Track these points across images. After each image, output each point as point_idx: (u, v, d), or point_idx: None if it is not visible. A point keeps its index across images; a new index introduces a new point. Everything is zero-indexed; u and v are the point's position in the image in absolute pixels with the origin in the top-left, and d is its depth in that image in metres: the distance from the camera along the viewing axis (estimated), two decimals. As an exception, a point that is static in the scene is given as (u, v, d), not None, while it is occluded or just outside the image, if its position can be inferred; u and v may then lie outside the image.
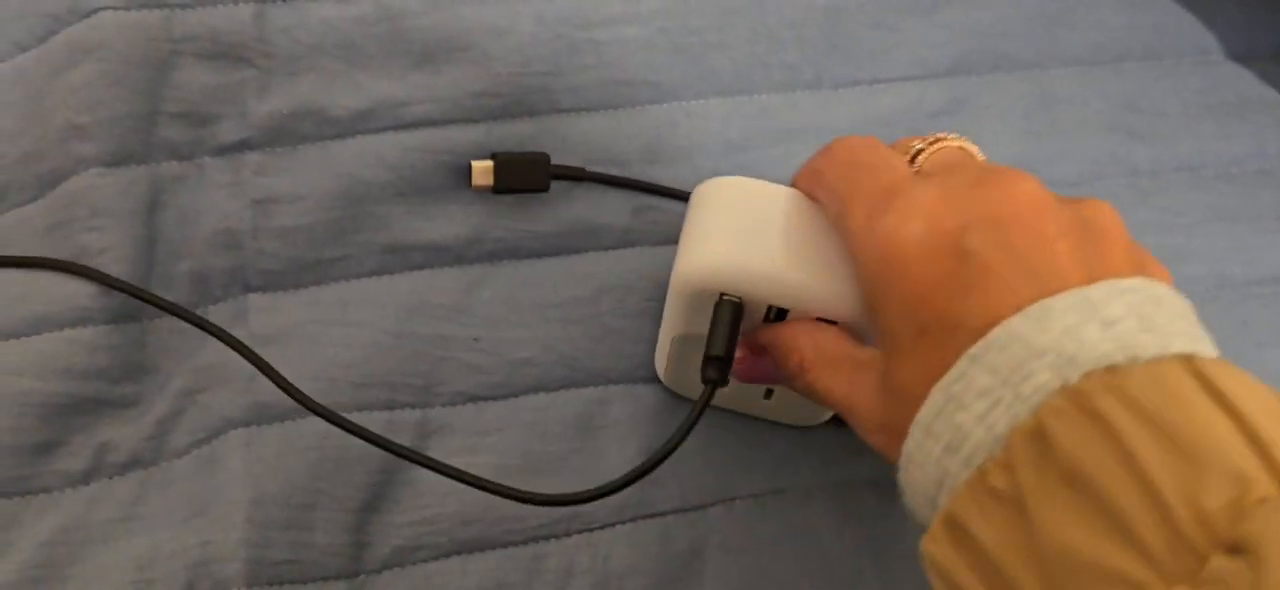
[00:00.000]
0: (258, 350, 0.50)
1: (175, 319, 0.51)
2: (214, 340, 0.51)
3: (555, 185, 0.56)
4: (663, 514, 0.51)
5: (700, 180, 0.57)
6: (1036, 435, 0.35)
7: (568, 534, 0.51)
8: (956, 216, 0.40)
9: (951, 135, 0.47)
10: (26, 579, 0.47)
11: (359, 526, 0.49)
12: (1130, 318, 0.36)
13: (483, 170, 0.54)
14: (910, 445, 0.39)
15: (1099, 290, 0.37)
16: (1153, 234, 0.60)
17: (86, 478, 0.49)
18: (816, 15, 0.61)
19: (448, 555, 0.50)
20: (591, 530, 0.51)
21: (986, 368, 0.36)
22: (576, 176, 0.56)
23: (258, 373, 0.50)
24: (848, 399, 0.44)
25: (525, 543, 0.50)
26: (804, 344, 0.46)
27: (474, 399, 0.52)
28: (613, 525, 0.51)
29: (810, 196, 0.48)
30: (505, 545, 0.50)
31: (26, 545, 0.48)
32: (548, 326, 0.54)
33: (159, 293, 0.52)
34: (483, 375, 0.53)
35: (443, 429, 0.52)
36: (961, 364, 0.37)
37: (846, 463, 0.53)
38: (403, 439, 0.50)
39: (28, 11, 0.54)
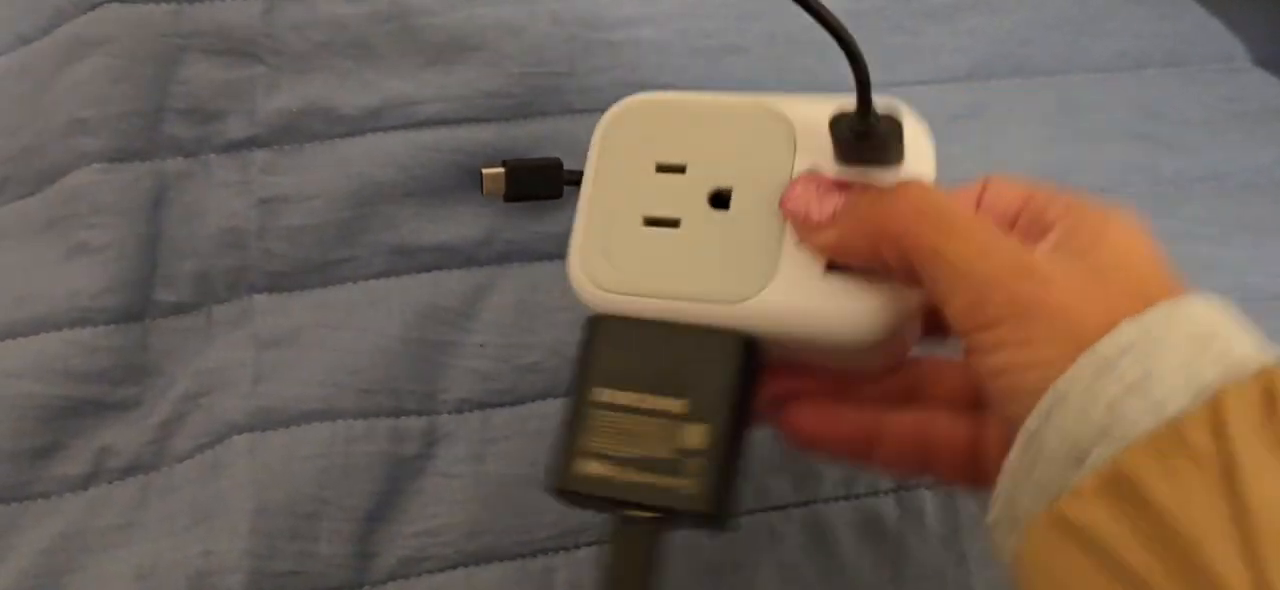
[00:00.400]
0: (263, 353, 0.50)
1: (179, 319, 0.51)
2: (218, 342, 0.50)
3: (569, 190, 0.54)
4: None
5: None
6: (1266, 395, 0.31)
7: (577, 547, 0.50)
8: None
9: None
10: (25, 587, 0.46)
11: (364, 536, 0.48)
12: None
13: (493, 177, 0.53)
14: (1073, 379, 0.33)
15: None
16: (1176, 244, 0.58)
17: (86, 483, 0.48)
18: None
19: (454, 567, 0.49)
20: (603, 543, 0.49)
21: (1193, 319, 0.33)
22: (590, 182, 0.54)
23: (263, 375, 0.49)
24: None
25: (534, 555, 0.49)
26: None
27: (481, 406, 0.51)
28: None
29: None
30: (514, 557, 0.49)
31: (26, 552, 0.46)
32: (556, 332, 0.52)
33: (161, 293, 0.51)
34: (489, 382, 0.51)
35: (448, 436, 0.51)
36: (1165, 307, 0.33)
37: (867, 475, 0.52)
38: (410, 448, 0.50)
39: (32, 3, 0.53)
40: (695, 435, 0.39)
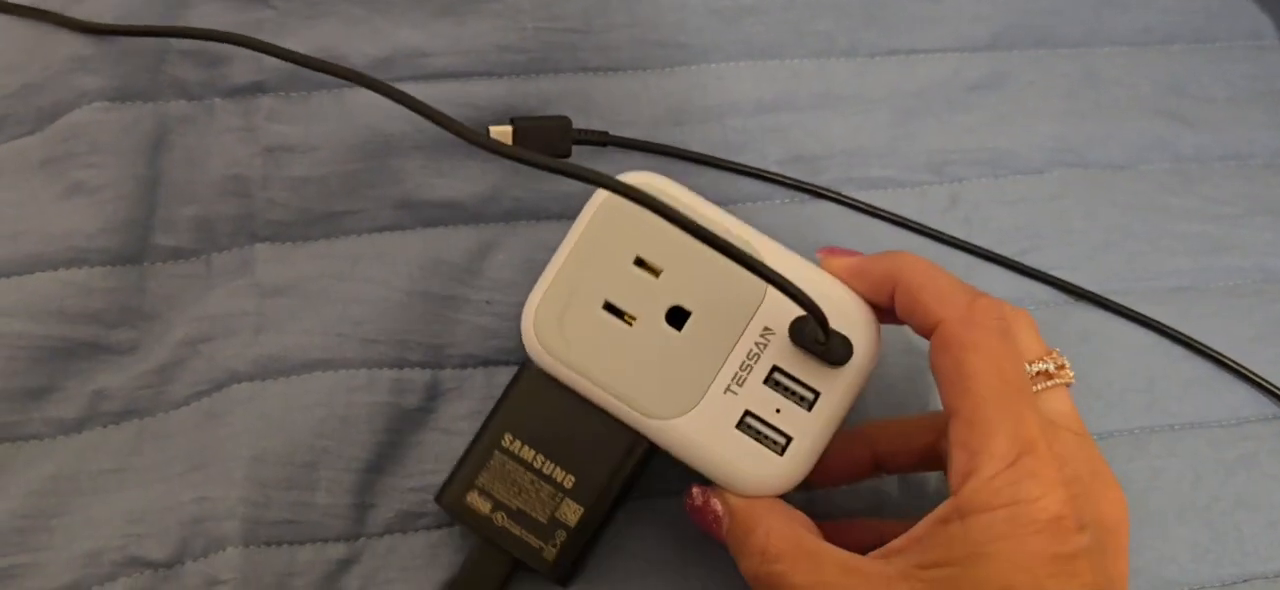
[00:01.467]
0: (265, 302, 0.49)
1: (178, 265, 0.50)
2: (218, 290, 0.49)
3: (578, 149, 0.53)
4: (677, 493, 0.49)
5: (729, 143, 0.55)
6: None
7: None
8: (1080, 515, 0.38)
9: (1069, 369, 0.43)
10: (13, 528, 0.45)
11: (363, 487, 0.47)
12: None
13: (501, 135, 0.52)
14: None
15: None
16: (1195, 222, 0.57)
17: (79, 426, 0.47)
18: (856, -17, 0.58)
19: (452, 524, 0.48)
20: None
21: None
22: (599, 142, 0.53)
23: (265, 324, 0.48)
24: None
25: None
26: (771, 529, 0.41)
27: (485, 363, 0.50)
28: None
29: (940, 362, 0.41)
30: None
31: (15, 493, 0.45)
32: None
33: (160, 237, 0.50)
34: (495, 340, 0.50)
35: (452, 391, 0.49)
36: None
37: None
38: (412, 400, 0.48)
39: None
40: (570, 511, 0.45)
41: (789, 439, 0.43)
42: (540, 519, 0.44)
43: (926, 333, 0.41)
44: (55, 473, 0.46)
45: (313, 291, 0.50)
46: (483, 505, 0.45)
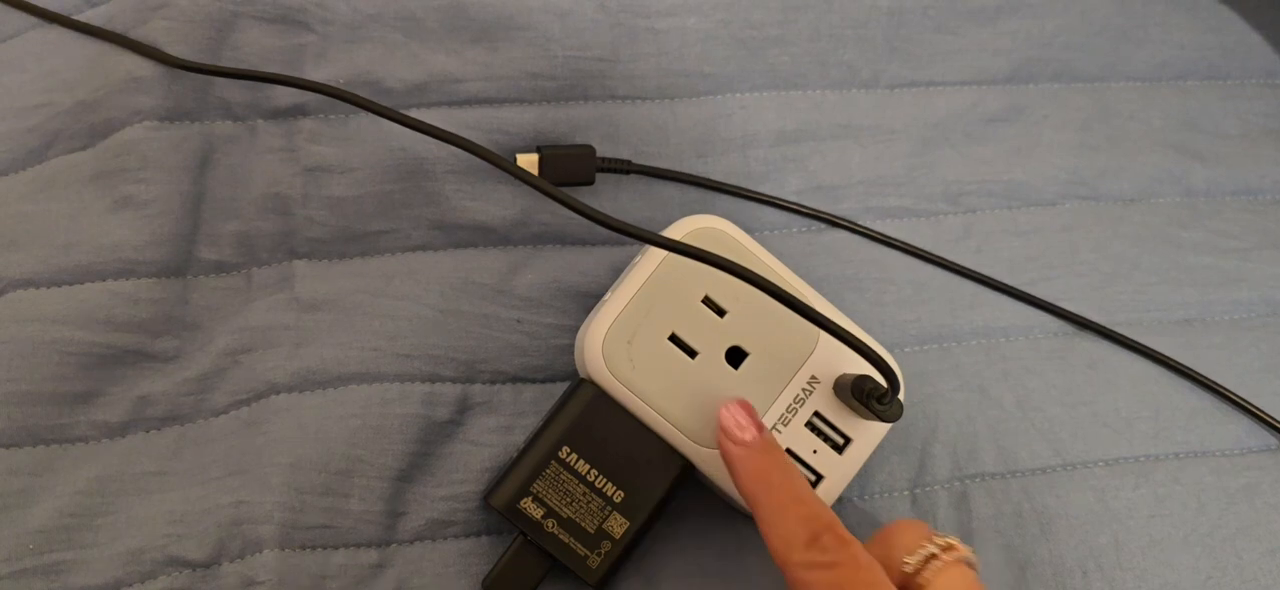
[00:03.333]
0: (304, 317, 0.50)
1: (220, 278, 0.51)
2: (258, 303, 0.50)
3: (602, 176, 0.54)
4: (704, 510, 0.50)
5: (750, 173, 0.56)
6: None
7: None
8: None
9: (962, 546, 0.42)
10: (59, 526, 0.46)
11: (394, 495, 0.48)
12: None
13: (528, 163, 0.53)
14: None
15: None
16: (1204, 255, 0.58)
17: (123, 430, 0.48)
18: (880, 16, 0.59)
19: (479, 533, 0.49)
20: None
21: None
22: (623, 170, 0.54)
23: (304, 338, 0.49)
24: None
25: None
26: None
27: (514, 379, 0.51)
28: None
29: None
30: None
31: (62, 493, 0.47)
32: (586, 317, 0.52)
33: (204, 252, 0.51)
34: (525, 357, 0.51)
35: (482, 405, 0.50)
36: None
37: (881, 476, 0.52)
38: (443, 413, 0.50)
39: None
40: (617, 524, 0.47)
41: (820, 477, 0.47)
42: (588, 529, 0.46)
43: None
44: (100, 474, 0.47)
45: (349, 307, 0.51)
46: (535, 511, 0.46)
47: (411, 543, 0.48)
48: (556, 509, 0.46)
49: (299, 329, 0.50)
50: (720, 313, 0.48)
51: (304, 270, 0.52)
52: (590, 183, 0.54)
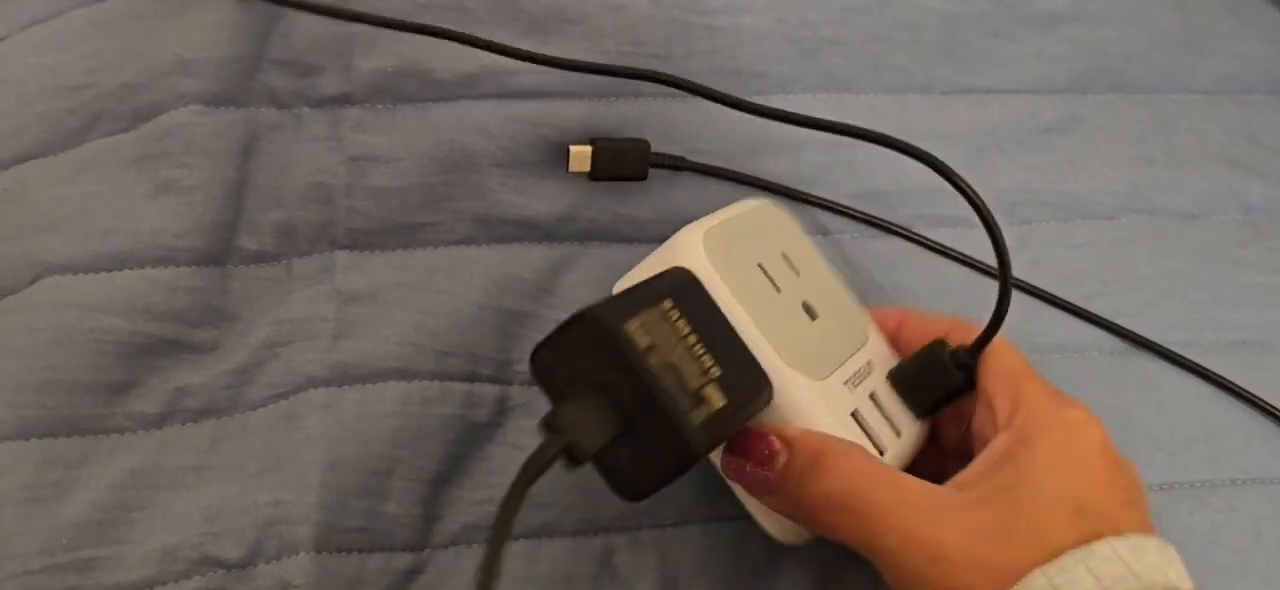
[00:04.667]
0: (343, 309, 0.49)
1: (260, 266, 0.50)
2: (298, 294, 0.49)
3: (654, 172, 0.53)
4: (736, 518, 0.49)
5: (802, 175, 0.54)
6: None
7: (639, 528, 0.48)
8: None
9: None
10: (93, 521, 0.45)
11: (431, 498, 0.47)
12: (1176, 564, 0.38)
13: (580, 155, 0.52)
14: None
15: (1167, 545, 0.38)
16: (1262, 273, 0.56)
17: (160, 421, 0.47)
18: (936, 20, 0.58)
19: (516, 538, 0.47)
20: (663, 527, 0.48)
21: (1095, 573, 0.36)
22: (676, 165, 0.53)
23: (343, 331, 0.48)
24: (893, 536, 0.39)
25: (594, 533, 0.48)
26: (847, 451, 0.40)
27: None
28: (685, 525, 0.48)
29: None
30: (574, 534, 0.47)
31: (97, 485, 0.45)
32: None
33: (244, 240, 0.50)
34: None
35: (521, 407, 0.49)
36: (1067, 561, 0.36)
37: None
38: (481, 414, 0.48)
39: None
40: (715, 396, 0.38)
41: (883, 451, 0.43)
42: (692, 384, 0.38)
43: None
44: (135, 467, 0.46)
45: (390, 300, 0.50)
46: (642, 338, 0.37)
47: (446, 547, 0.47)
48: (662, 345, 0.38)
49: (338, 322, 0.49)
50: (795, 272, 0.46)
51: (345, 261, 0.50)
52: (644, 178, 0.52)
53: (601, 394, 0.37)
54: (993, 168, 0.56)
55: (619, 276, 0.48)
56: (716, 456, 0.42)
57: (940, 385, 0.45)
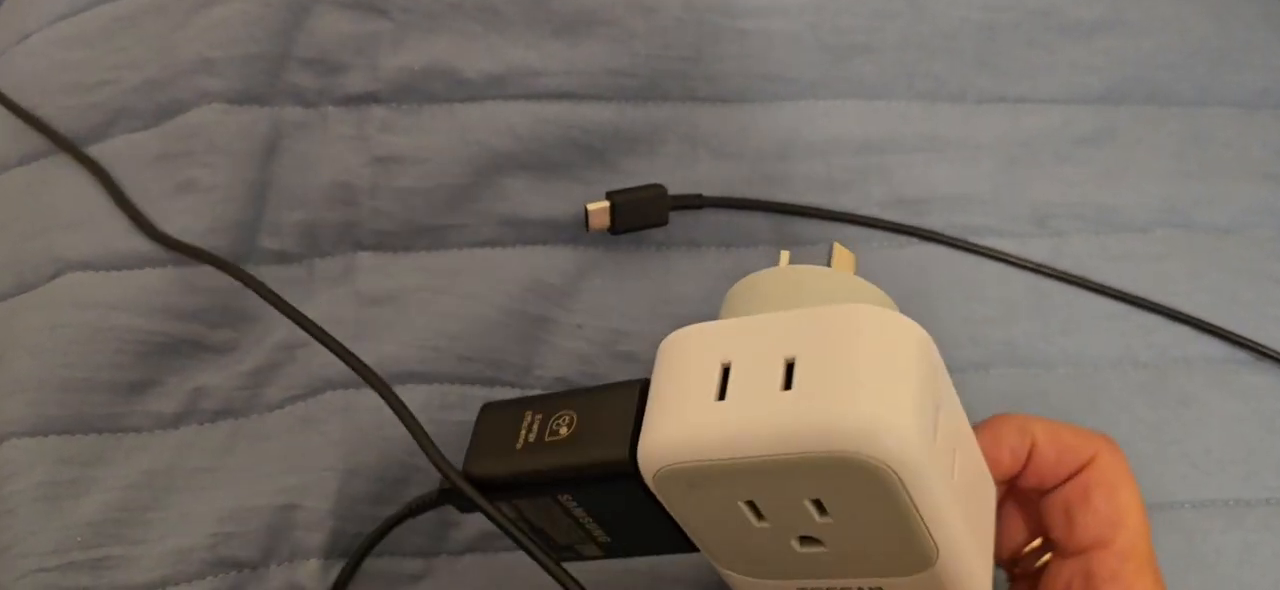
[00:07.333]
0: (364, 311, 0.47)
1: (281, 267, 0.48)
2: (319, 295, 0.48)
3: (675, 216, 0.51)
4: None
5: (832, 181, 0.53)
6: None
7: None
8: None
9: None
10: (109, 519, 0.43)
11: (446, 507, 0.46)
12: None
13: (599, 211, 0.49)
14: None
15: None
16: (1300, 291, 0.54)
17: (177, 421, 0.46)
18: (971, 28, 0.56)
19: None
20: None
21: None
22: (695, 205, 0.51)
23: (362, 333, 0.46)
24: None
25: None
26: None
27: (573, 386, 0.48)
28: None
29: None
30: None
31: (114, 485, 0.44)
32: (656, 322, 0.49)
33: (266, 240, 0.49)
34: (586, 364, 0.48)
35: None
36: None
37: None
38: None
39: None
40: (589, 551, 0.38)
41: None
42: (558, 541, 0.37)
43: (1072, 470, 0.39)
44: (151, 467, 0.45)
45: (411, 303, 0.48)
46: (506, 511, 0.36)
47: (461, 554, 0.45)
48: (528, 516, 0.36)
49: (358, 323, 0.48)
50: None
51: (367, 262, 0.49)
52: (664, 223, 0.50)
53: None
54: (1026, 179, 0.55)
55: (643, 282, 0.46)
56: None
57: None
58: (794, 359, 0.31)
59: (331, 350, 0.39)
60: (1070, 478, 0.38)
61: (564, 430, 0.35)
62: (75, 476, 0.44)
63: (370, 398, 0.46)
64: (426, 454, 0.36)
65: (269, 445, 0.46)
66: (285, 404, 0.47)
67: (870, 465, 0.29)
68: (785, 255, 0.40)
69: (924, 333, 0.32)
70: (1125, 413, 0.50)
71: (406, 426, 0.37)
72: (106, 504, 0.44)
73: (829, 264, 0.40)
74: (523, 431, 0.36)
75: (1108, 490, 0.37)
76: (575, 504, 0.36)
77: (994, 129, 0.55)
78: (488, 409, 0.38)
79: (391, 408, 0.37)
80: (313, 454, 0.45)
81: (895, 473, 0.29)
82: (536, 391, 0.48)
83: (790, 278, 0.37)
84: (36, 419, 0.44)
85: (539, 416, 0.36)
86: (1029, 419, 0.38)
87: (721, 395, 0.32)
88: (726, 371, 0.32)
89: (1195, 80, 0.58)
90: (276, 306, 0.41)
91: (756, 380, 0.31)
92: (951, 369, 0.48)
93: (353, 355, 0.39)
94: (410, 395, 0.46)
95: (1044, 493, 0.38)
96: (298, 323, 0.40)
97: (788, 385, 0.30)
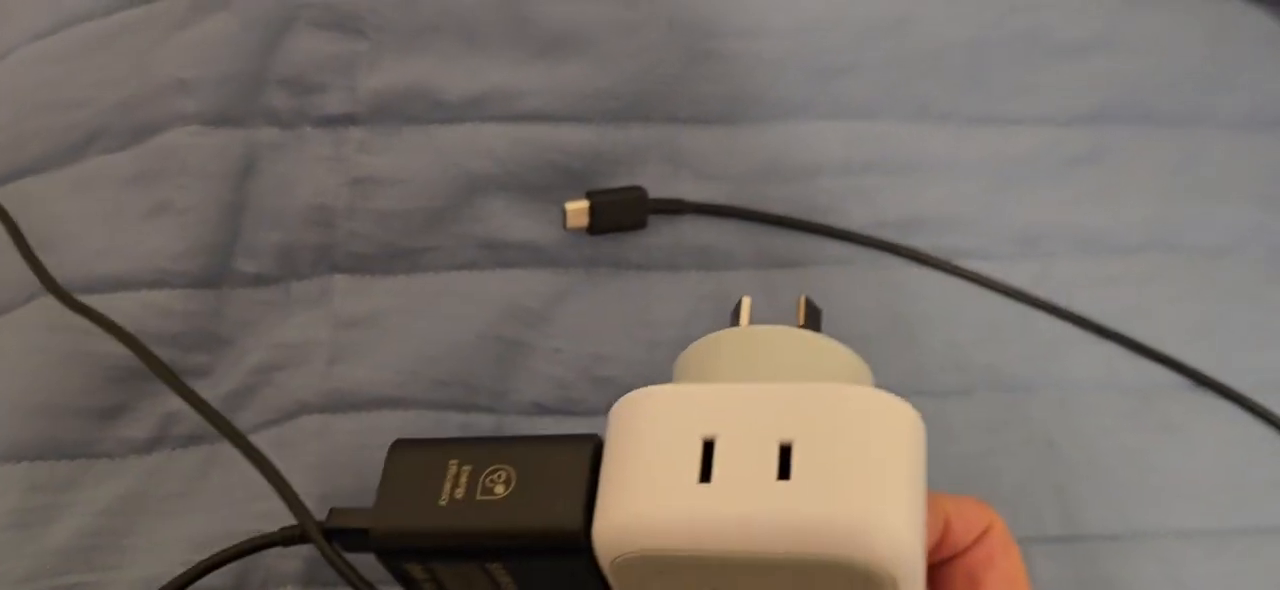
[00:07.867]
0: (340, 334, 0.47)
1: (257, 290, 0.48)
2: (295, 318, 0.47)
3: (653, 219, 0.51)
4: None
5: (815, 204, 0.52)
6: None
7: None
8: None
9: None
10: (80, 546, 0.43)
11: (426, 532, 0.45)
12: None
13: (578, 210, 0.49)
14: None
15: None
16: (1291, 314, 0.54)
17: (150, 447, 0.45)
18: (958, 48, 0.55)
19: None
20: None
21: None
22: (675, 210, 0.51)
23: (338, 356, 0.46)
24: None
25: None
26: None
27: (551, 412, 0.48)
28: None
29: None
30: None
31: (85, 511, 0.44)
32: (635, 349, 0.49)
33: (241, 262, 0.48)
34: (564, 389, 0.48)
35: None
36: None
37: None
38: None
39: None
40: None
41: None
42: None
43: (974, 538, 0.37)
44: (124, 493, 0.44)
45: (388, 326, 0.48)
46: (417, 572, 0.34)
47: None
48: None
49: (334, 346, 0.47)
50: None
51: (344, 285, 0.48)
52: (643, 226, 0.50)
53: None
54: (1014, 200, 0.54)
55: (622, 305, 0.46)
56: None
57: None
58: (790, 444, 0.29)
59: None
60: (971, 546, 0.37)
61: (500, 488, 0.32)
62: (47, 503, 0.44)
63: (347, 422, 0.46)
64: (282, 498, 0.34)
65: (243, 471, 0.45)
66: (259, 429, 0.46)
67: (869, 569, 0.28)
68: (747, 303, 0.37)
69: (917, 416, 0.30)
70: (1108, 438, 0.50)
71: (265, 476, 0.36)
72: (79, 530, 0.43)
73: (798, 316, 0.37)
74: (448, 484, 0.33)
75: (1007, 553, 0.37)
76: (505, 573, 0.33)
77: (982, 150, 0.55)
78: (401, 448, 0.35)
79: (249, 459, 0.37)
80: (288, 479, 0.45)
81: (892, 576, 0.28)
82: (512, 416, 0.47)
83: (759, 340, 0.34)
84: (8, 445, 0.44)
85: (468, 469, 0.33)
86: (936, 495, 0.37)
87: (704, 476, 0.29)
88: (708, 448, 0.30)
89: (1185, 102, 0.58)
90: (168, 384, 0.41)
91: (749, 464, 0.29)
92: (933, 394, 0.48)
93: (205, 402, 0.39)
94: (386, 422, 0.46)
95: (944, 562, 0.38)
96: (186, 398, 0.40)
97: (783, 473, 0.29)
